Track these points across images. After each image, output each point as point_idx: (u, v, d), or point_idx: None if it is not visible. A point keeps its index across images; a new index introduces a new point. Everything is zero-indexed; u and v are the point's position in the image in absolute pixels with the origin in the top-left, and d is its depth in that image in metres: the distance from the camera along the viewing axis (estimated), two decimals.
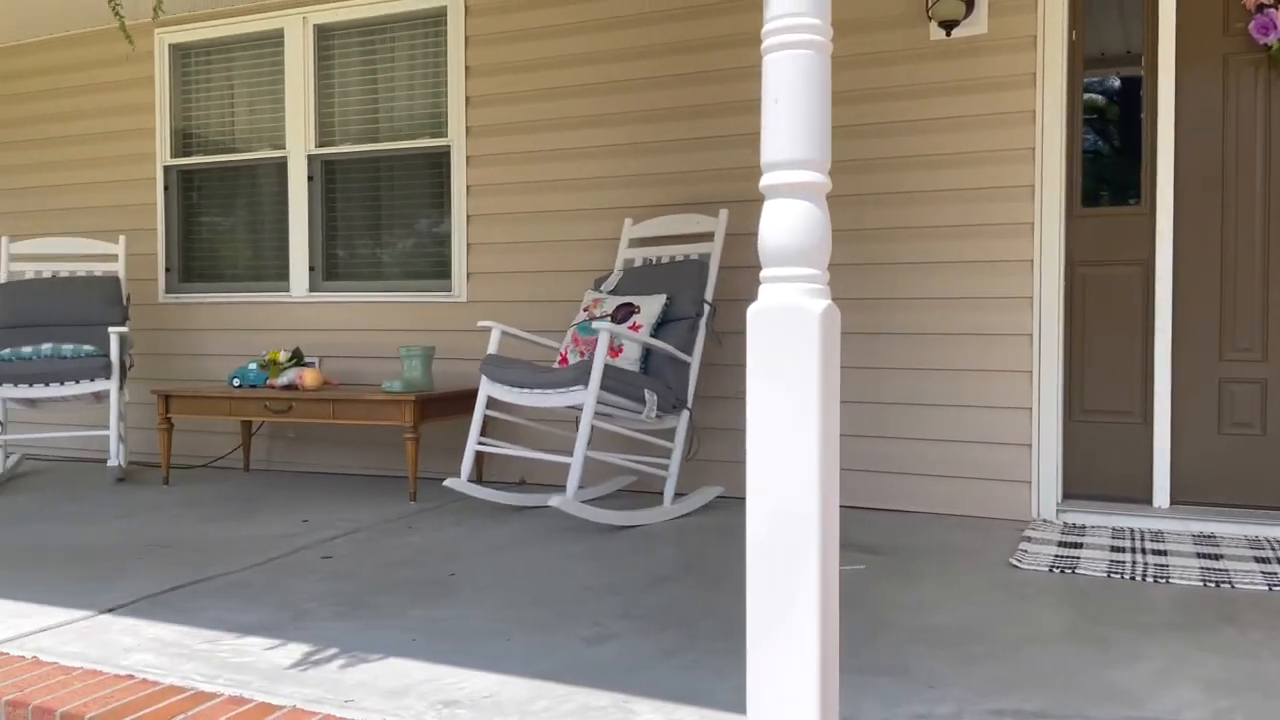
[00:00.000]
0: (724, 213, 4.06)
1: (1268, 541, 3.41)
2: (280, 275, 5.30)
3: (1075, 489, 3.86)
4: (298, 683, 2.18)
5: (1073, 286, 3.85)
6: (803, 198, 1.45)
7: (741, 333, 4.16)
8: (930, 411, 3.95)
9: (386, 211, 5.10)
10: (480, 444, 3.89)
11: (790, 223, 1.45)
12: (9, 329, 4.92)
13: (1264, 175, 3.64)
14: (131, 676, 2.24)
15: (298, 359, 4.76)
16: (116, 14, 2.17)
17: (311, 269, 5.19)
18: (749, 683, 1.50)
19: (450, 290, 4.88)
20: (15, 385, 4.52)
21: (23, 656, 2.38)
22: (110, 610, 2.72)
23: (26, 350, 4.70)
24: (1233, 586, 2.90)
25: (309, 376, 4.51)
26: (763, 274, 1.49)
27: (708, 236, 4.22)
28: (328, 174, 5.19)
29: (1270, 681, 2.17)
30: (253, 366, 4.74)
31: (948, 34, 3.83)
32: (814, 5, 1.44)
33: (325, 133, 5.17)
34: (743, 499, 4.15)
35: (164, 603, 2.80)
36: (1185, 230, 3.71)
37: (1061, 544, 3.39)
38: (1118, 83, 3.87)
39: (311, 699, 2.09)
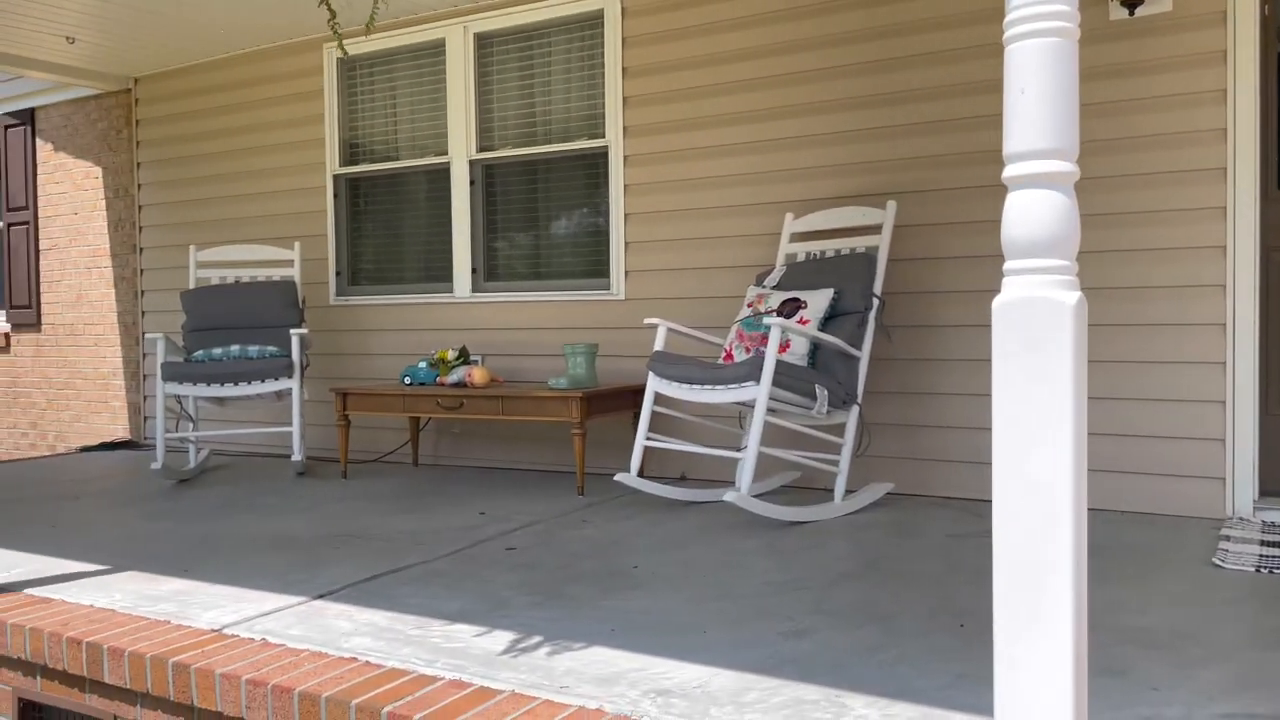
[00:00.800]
0: (892, 204, 4.00)
1: None
2: (443, 277, 5.49)
3: (1273, 486, 3.66)
4: (512, 668, 2.27)
5: (1270, 273, 3.65)
6: (1053, 187, 1.43)
7: (910, 327, 4.11)
8: (1118, 405, 3.80)
9: (545, 212, 5.22)
10: (649, 439, 3.95)
11: (1039, 213, 1.42)
12: (198, 332, 5.25)
13: None
14: (355, 659, 2.37)
15: (464, 357, 4.92)
16: (335, 31, 2.29)
17: (474, 270, 5.36)
18: (997, 685, 1.48)
19: (609, 289, 4.97)
20: (209, 385, 4.81)
21: (252, 639, 2.54)
22: (321, 596, 2.88)
23: (217, 351, 5.00)
24: None
25: (478, 374, 4.66)
26: (1007, 266, 1.47)
27: (873, 229, 4.17)
28: (488, 177, 5.35)
29: None
30: (423, 365, 4.92)
31: (1131, 13, 3.68)
32: None
33: (485, 137, 5.33)
34: (913, 495, 4.12)
35: (369, 590, 2.94)
36: None
37: (1264, 543, 3.23)
38: None
39: (528, 684, 2.17)
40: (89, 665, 2.57)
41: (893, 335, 4.15)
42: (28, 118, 7.20)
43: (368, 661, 2.35)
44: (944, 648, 2.35)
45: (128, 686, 2.51)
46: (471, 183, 5.34)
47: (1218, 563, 3.01)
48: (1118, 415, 3.80)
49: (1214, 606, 2.63)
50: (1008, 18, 1.46)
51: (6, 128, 7.31)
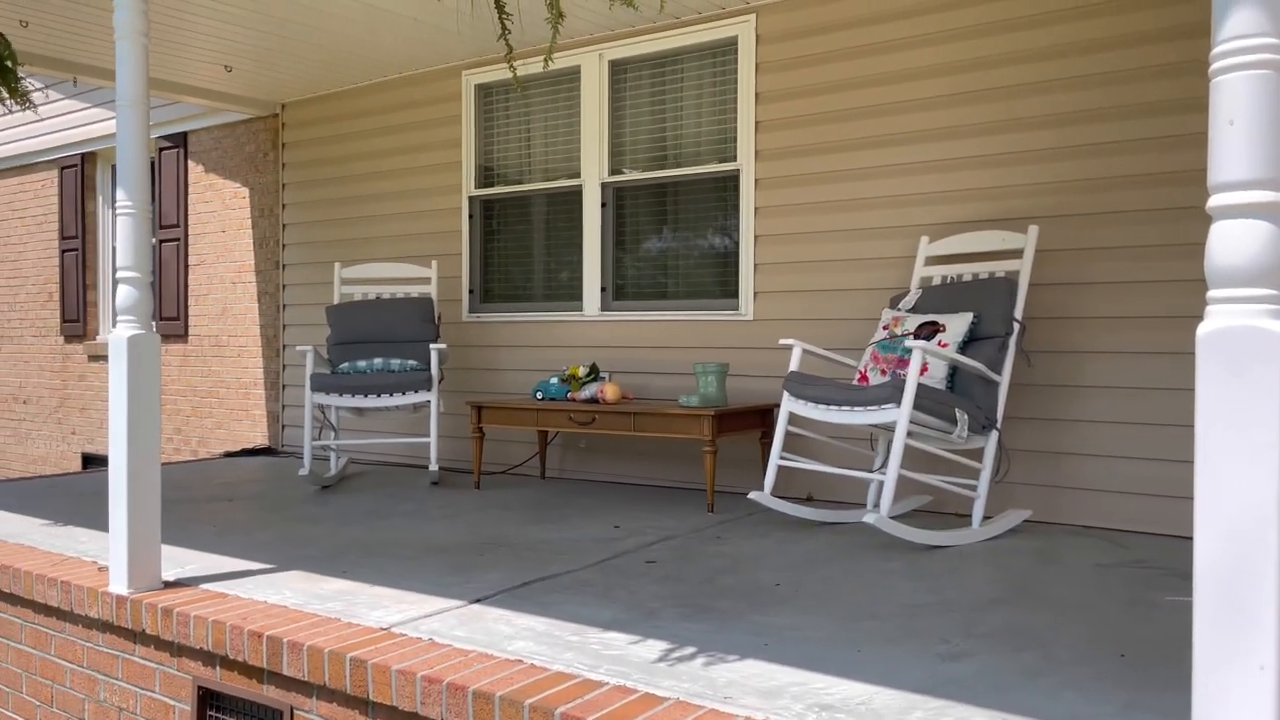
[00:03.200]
0: (1034, 229, 3.97)
1: None
2: (573, 295, 5.63)
3: None
4: (672, 677, 2.34)
5: None
6: (1261, 217, 1.44)
7: (1051, 352, 4.07)
8: None
9: (674, 233, 5.32)
10: (783, 459, 3.99)
11: (1246, 243, 1.44)
12: (343, 345, 5.50)
13: None
14: (520, 661, 2.47)
15: (595, 374, 5.05)
16: (511, 68, 2.43)
17: (603, 289, 5.49)
18: (1195, 711, 1.49)
19: (737, 309, 5.03)
20: (353, 396, 5.04)
21: (420, 638, 2.67)
22: (478, 600, 3.01)
23: (361, 364, 5.24)
24: None
25: (610, 390, 4.78)
26: (1211, 294, 1.48)
27: (1012, 254, 4.14)
28: (619, 199, 5.48)
29: None
30: (555, 381, 5.06)
31: None
32: (1273, 23, 1.43)
33: (617, 160, 5.47)
34: (1052, 523, 4.07)
35: (522, 596, 3.05)
36: None
37: None
38: None
39: (692, 693, 2.24)
40: (269, 657, 2.74)
41: (1033, 360, 4.11)
42: (181, 141, 7.65)
43: (533, 664, 2.45)
44: (1108, 675, 2.33)
45: (305, 679, 2.66)
46: (603, 204, 5.48)
47: None
48: None
49: None
50: (1215, 49, 1.48)
51: (161, 150, 7.78)
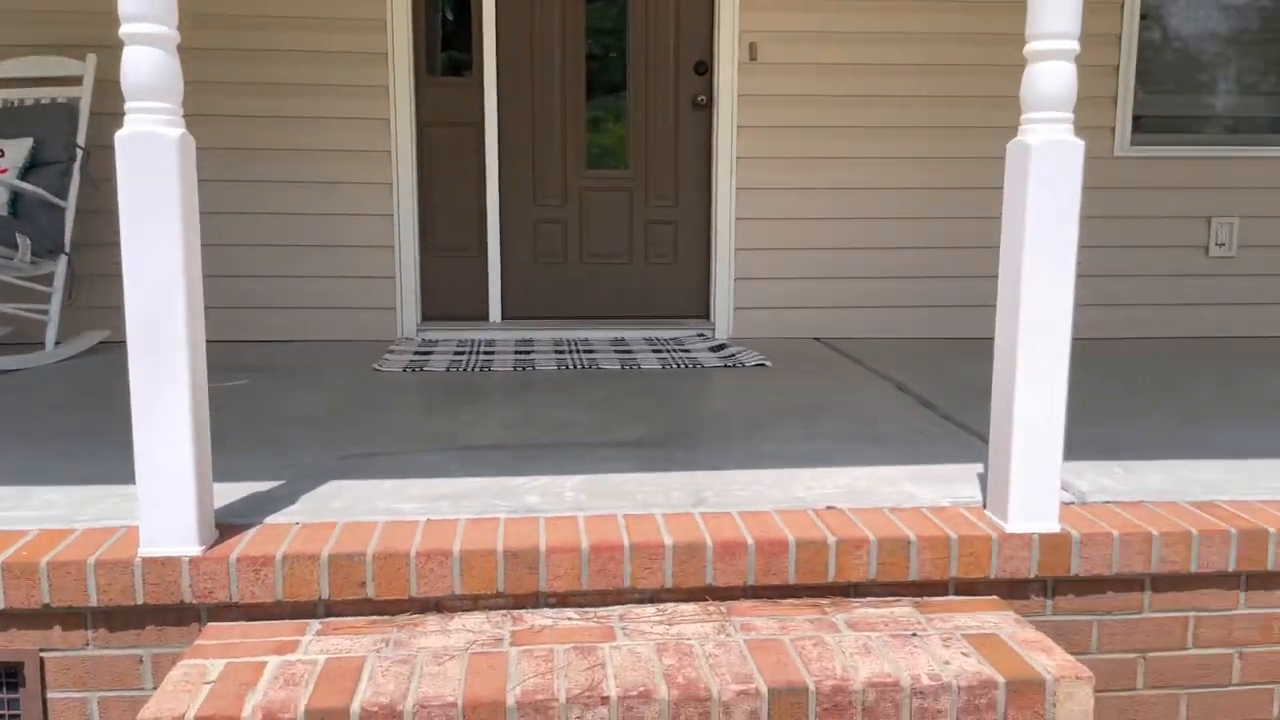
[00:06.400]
0: (92, 57, 4.07)
1: (566, 341, 4.57)
2: None
3: (432, 312, 4.71)
4: None
5: (423, 144, 4.60)
6: (154, 45, 1.85)
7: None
8: (300, 251, 4.48)
9: None
10: None
11: (145, 64, 1.85)
12: None
13: (560, 58, 4.67)
14: None
15: None
16: None
17: None
18: (136, 442, 1.95)
19: None
20: None
21: None
22: None
23: None
24: (534, 369, 3.93)
25: None
26: (127, 106, 1.87)
27: (77, 81, 4.18)
28: None
29: (541, 417, 3.14)
30: None
31: None
32: None
33: None
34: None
35: None
36: (506, 99, 4.64)
37: (417, 354, 4.21)
38: None
39: None
40: None
41: (100, 186, 4.26)
42: None
43: None
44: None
45: None
46: None
47: (376, 367, 3.88)
48: (300, 259, 4.49)
49: (366, 394, 3.45)
50: None
51: None
